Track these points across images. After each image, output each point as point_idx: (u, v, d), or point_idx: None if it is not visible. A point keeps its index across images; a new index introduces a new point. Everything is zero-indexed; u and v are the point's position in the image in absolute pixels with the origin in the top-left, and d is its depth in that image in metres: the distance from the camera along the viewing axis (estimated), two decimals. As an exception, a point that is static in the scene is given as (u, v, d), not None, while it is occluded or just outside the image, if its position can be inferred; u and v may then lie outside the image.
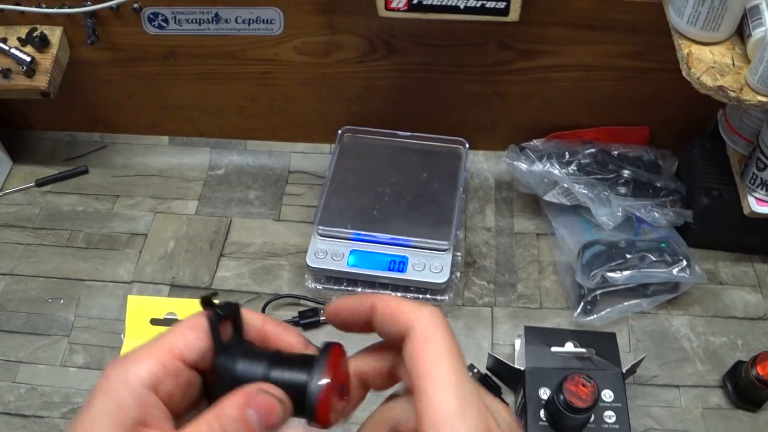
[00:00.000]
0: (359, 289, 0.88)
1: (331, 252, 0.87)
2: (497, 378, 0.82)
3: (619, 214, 0.89)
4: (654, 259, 0.84)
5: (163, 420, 0.34)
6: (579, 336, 0.78)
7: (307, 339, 0.39)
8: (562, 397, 0.68)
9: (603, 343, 0.77)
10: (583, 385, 0.68)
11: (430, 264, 0.86)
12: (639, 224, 0.90)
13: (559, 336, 0.78)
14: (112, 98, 1.01)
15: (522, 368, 0.76)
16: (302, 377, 0.35)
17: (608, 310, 0.86)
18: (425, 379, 0.33)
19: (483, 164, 1.03)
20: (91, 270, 0.93)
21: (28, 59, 0.87)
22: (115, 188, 1.02)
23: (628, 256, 0.85)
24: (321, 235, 0.88)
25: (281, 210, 0.99)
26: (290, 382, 0.35)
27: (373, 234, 0.87)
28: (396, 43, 0.91)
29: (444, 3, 0.80)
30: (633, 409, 0.77)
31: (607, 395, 0.73)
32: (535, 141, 0.97)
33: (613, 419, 0.72)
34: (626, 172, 0.92)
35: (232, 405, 0.33)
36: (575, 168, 0.91)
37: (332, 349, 0.37)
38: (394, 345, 0.36)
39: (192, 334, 0.36)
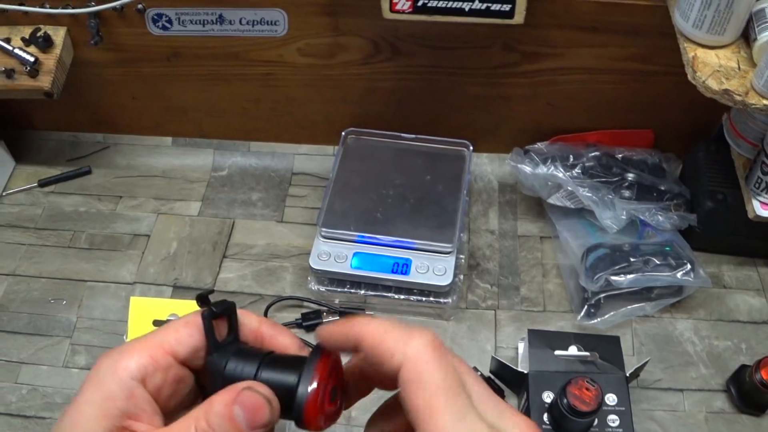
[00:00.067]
0: (362, 291, 0.87)
1: (335, 254, 0.87)
2: (500, 381, 0.81)
3: (623, 217, 0.88)
4: (658, 262, 0.84)
5: (151, 414, 0.34)
6: (582, 339, 0.78)
7: (303, 342, 0.38)
8: (565, 400, 0.68)
9: (606, 347, 0.77)
10: (587, 389, 0.68)
11: (433, 266, 0.85)
12: (643, 228, 0.90)
13: (563, 339, 0.78)
14: (116, 99, 1.01)
15: (525, 371, 0.76)
16: (292, 379, 0.35)
17: (612, 313, 0.86)
18: (423, 420, 0.31)
19: (487, 167, 1.03)
20: (94, 271, 0.93)
21: (32, 59, 0.87)
22: (118, 189, 1.02)
23: (632, 259, 0.85)
24: (324, 237, 0.88)
25: (284, 212, 0.99)
26: (279, 384, 0.35)
27: (377, 236, 0.87)
28: (400, 45, 0.91)
29: (449, 5, 0.80)
30: (636, 412, 0.77)
31: (611, 399, 0.73)
32: (539, 144, 0.97)
33: (617, 423, 0.71)
34: (630, 176, 0.92)
35: (219, 402, 0.33)
36: (579, 171, 0.91)
37: (325, 352, 0.36)
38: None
39: (185, 331, 0.36)
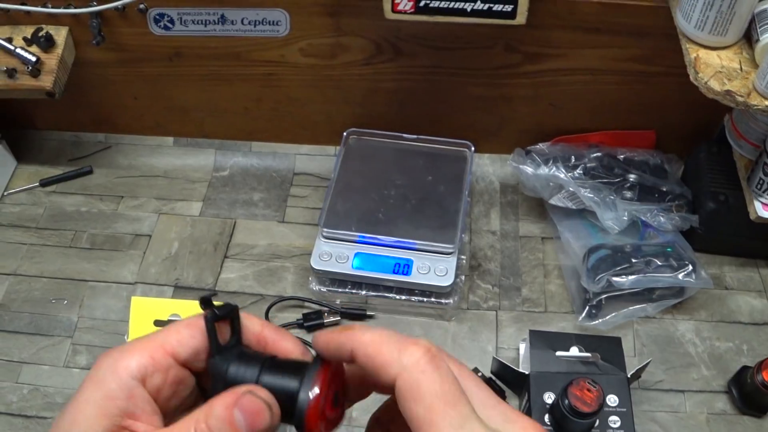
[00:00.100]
0: (363, 292, 0.87)
1: (336, 254, 0.87)
2: (502, 382, 0.81)
3: (625, 218, 0.88)
4: (659, 263, 0.84)
5: (150, 413, 0.34)
6: (584, 340, 0.78)
7: (306, 346, 0.38)
8: (567, 401, 0.68)
9: (608, 348, 0.77)
10: (588, 390, 0.68)
11: (434, 267, 0.85)
12: (645, 228, 0.90)
13: (564, 340, 0.77)
14: (117, 99, 1.01)
15: (526, 372, 0.76)
16: (293, 385, 0.35)
17: (613, 314, 0.86)
18: (423, 431, 0.31)
19: (488, 167, 1.03)
20: (95, 271, 0.93)
21: (34, 59, 0.87)
22: (120, 189, 1.02)
23: (633, 260, 0.85)
24: (326, 238, 0.88)
25: (286, 212, 0.99)
26: (281, 389, 0.35)
27: (378, 236, 0.87)
28: (402, 45, 0.91)
29: (451, 6, 0.80)
30: (638, 414, 0.77)
31: (612, 400, 0.73)
32: (540, 144, 0.97)
33: (618, 424, 0.71)
34: (632, 176, 0.92)
35: (220, 404, 0.33)
36: (581, 172, 0.91)
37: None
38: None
39: (187, 333, 0.36)
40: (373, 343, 0.33)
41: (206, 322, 0.36)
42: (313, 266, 0.86)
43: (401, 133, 0.97)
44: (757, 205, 0.82)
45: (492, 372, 0.82)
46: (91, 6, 0.87)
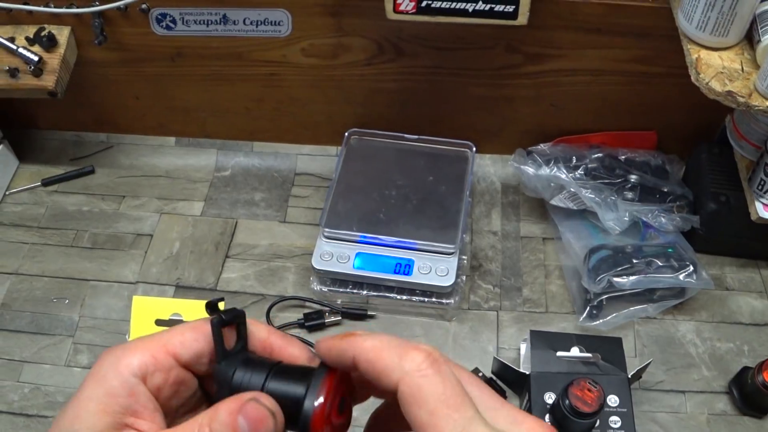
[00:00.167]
0: (364, 292, 0.87)
1: (337, 254, 0.87)
2: (502, 382, 0.81)
3: (626, 218, 0.88)
4: (660, 264, 0.84)
5: (152, 411, 0.34)
6: (585, 341, 0.78)
7: (313, 352, 0.38)
8: (567, 401, 0.68)
9: (609, 348, 0.77)
10: (589, 390, 0.68)
11: (435, 267, 0.85)
12: (646, 229, 0.90)
13: (565, 340, 0.77)
14: (119, 98, 1.02)
15: (527, 372, 0.76)
16: (299, 392, 0.34)
17: (614, 314, 0.86)
18: None
19: (490, 168, 1.03)
20: (97, 270, 0.93)
21: (36, 59, 0.87)
22: (121, 189, 1.02)
23: (634, 261, 0.85)
24: (327, 238, 0.88)
25: (287, 212, 0.99)
26: (287, 396, 0.35)
27: (379, 237, 0.87)
28: (404, 45, 0.91)
29: (452, 6, 0.80)
30: (638, 414, 0.77)
31: (613, 400, 0.73)
32: (542, 145, 0.97)
33: (619, 424, 0.71)
34: (633, 177, 0.92)
35: (225, 410, 0.33)
36: (582, 172, 0.91)
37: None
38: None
39: (190, 335, 0.36)
40: (374, 349, 0.33)
41: (212, 327, 0.36)
42: (315, 266, 0.86)
43: (402, 133, 0.97)
44: (758, 205, 0.82)
45: (493, 372, 0.82)
46: (93, 6, 0.88)
